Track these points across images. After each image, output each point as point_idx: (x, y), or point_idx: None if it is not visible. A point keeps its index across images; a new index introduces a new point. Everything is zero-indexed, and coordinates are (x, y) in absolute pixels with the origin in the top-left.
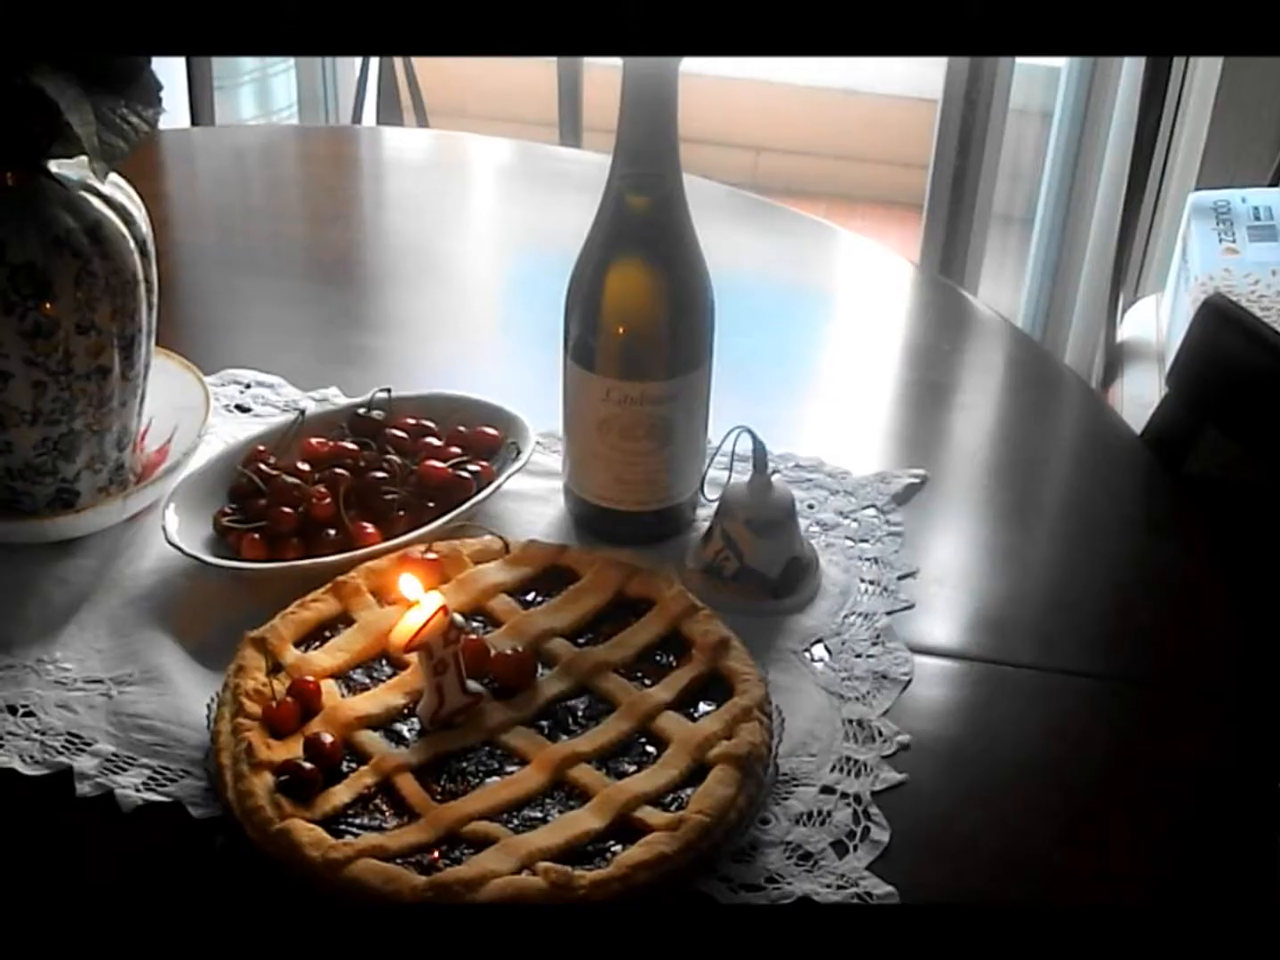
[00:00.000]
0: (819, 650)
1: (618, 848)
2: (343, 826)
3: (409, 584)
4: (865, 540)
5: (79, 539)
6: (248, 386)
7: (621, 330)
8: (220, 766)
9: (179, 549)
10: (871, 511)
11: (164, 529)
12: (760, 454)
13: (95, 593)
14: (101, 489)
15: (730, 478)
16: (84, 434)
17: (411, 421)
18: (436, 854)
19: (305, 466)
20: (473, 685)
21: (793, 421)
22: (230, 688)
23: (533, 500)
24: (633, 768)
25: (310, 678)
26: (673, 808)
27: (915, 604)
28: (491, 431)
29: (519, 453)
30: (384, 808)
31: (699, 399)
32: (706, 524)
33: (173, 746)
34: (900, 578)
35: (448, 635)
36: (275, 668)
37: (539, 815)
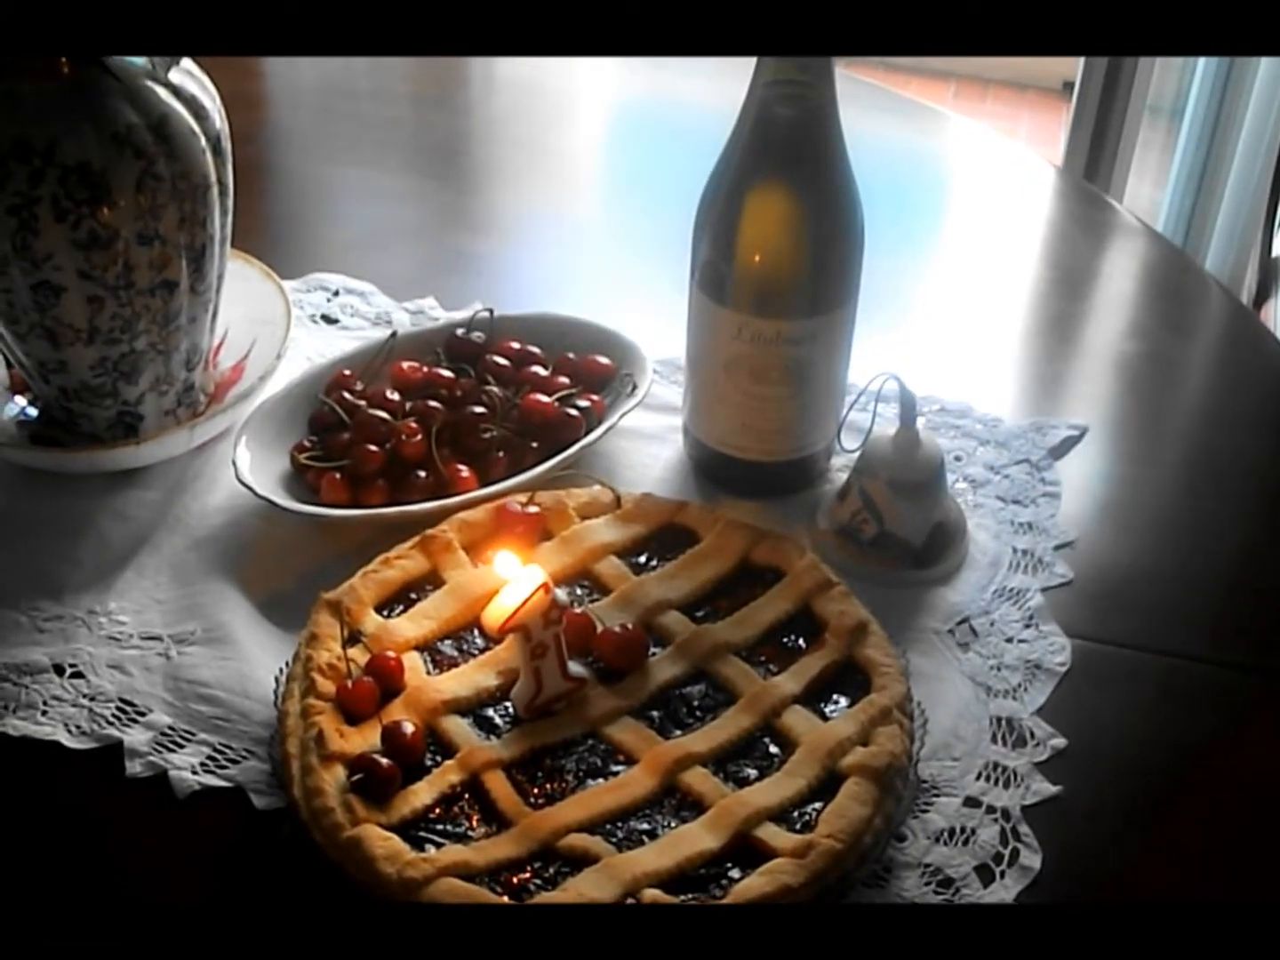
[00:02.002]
0: (965, 632)
1: (735, 873)
2: (422, 833)
3: (505, 559)
4: (1018, 502)
5: (142, 470)
6: (335, 294)
7: (759, 260)
8: (286, 755)
9: (250, 489)
10: (1025, 467)
11: (234, 466)
12: (909, 406)
13: (156, 532)
14: (168, 411)
15: (872, 428)
16: (147, 354)
17: (515, 347)
18: (529, 872)
19: (395, 396)
20: (575, 668)
21: (931, 357)
22: (301, 659)
23: (648, 439)
24: (754, 773)
25: (391, 653)
26: (798, 826)
27: (1073, 579)
28: (604, 361)
29: (634, 387)
30: (470, 811)
31: (841, 340)
32: (843, 477)
33: (235, 721)
34: (1056, 548)
35: (549, 616)
36: (353, 637)
37: (646, 828)
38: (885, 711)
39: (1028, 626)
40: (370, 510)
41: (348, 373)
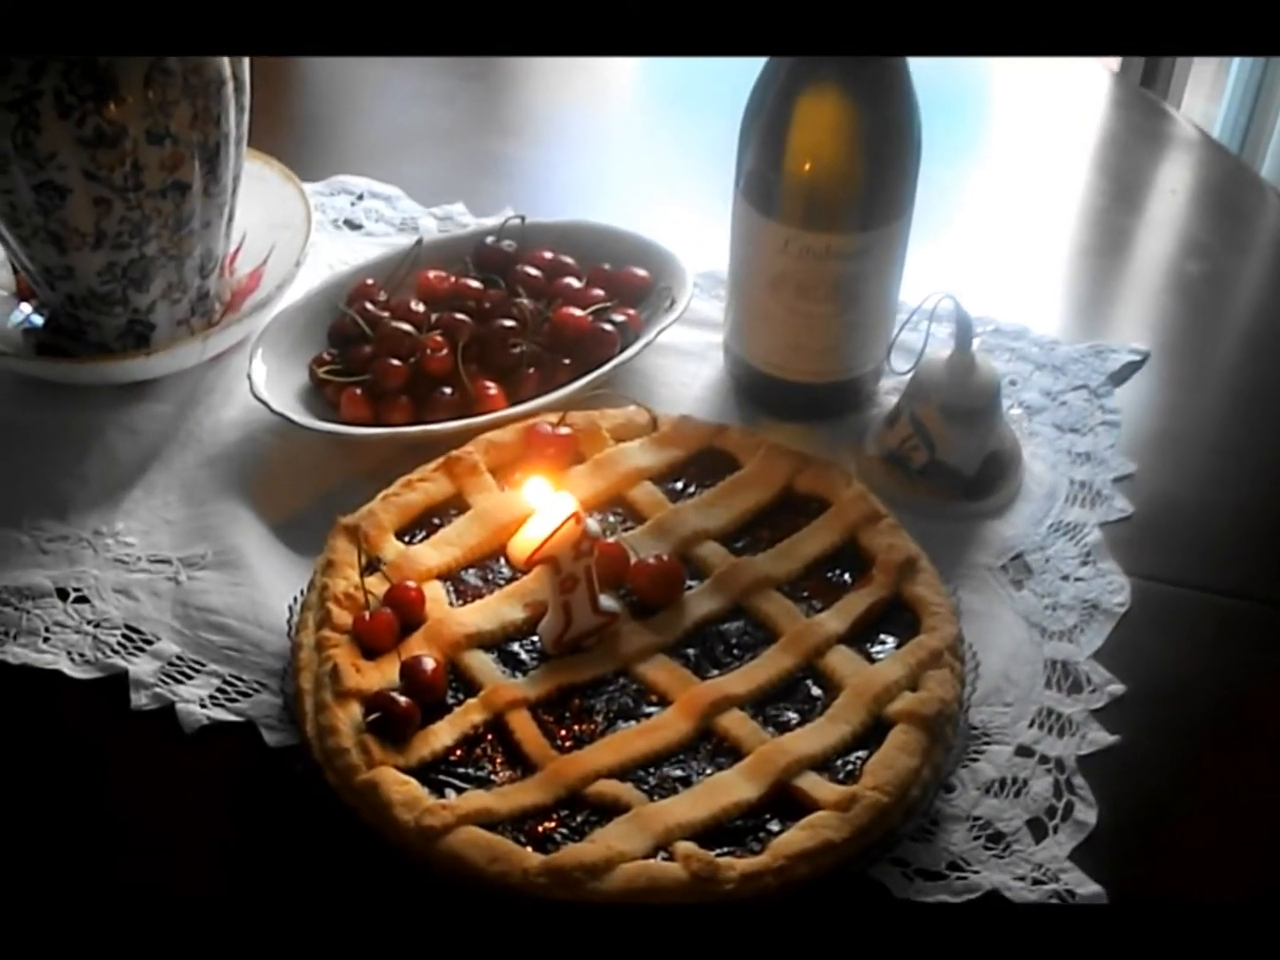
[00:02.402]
0: (1018, 568)
1: (774, 825)
2: (442, 776)
3: (534, 485)
4: (1075, 430)
5: (153, 383)
6: (360, 198)
7: (809, 169)
8: (299, 690)
9: (265, 404)
10: (1084, 394)
11: (250, 379)
12: (964, 328)
13: (167, 448)
14: (181, 321)
15: (925, 349)
16: (158, 259)
17: (548, 257)
18: (554, 820)
19: (420, 307)
20: (606, 602)
21: (984, 275)
22: (317, 588)
23: (686, 356)
24: (794, 717)
25: (412, 583)
26: (841, 776)
27: (1132, 514)
28: (641, 273)
29: (672, 301)
30: (493, 754)
31: (894, 256)
32: (891, 401)
33: (247, 652)
34: (1115, 480)
35: (579, 547)
36: (371, 564)
37: (680, 775)
38: (935, 654)
39: (1085, 564)
40: (392, 429)
41: (370, 282)
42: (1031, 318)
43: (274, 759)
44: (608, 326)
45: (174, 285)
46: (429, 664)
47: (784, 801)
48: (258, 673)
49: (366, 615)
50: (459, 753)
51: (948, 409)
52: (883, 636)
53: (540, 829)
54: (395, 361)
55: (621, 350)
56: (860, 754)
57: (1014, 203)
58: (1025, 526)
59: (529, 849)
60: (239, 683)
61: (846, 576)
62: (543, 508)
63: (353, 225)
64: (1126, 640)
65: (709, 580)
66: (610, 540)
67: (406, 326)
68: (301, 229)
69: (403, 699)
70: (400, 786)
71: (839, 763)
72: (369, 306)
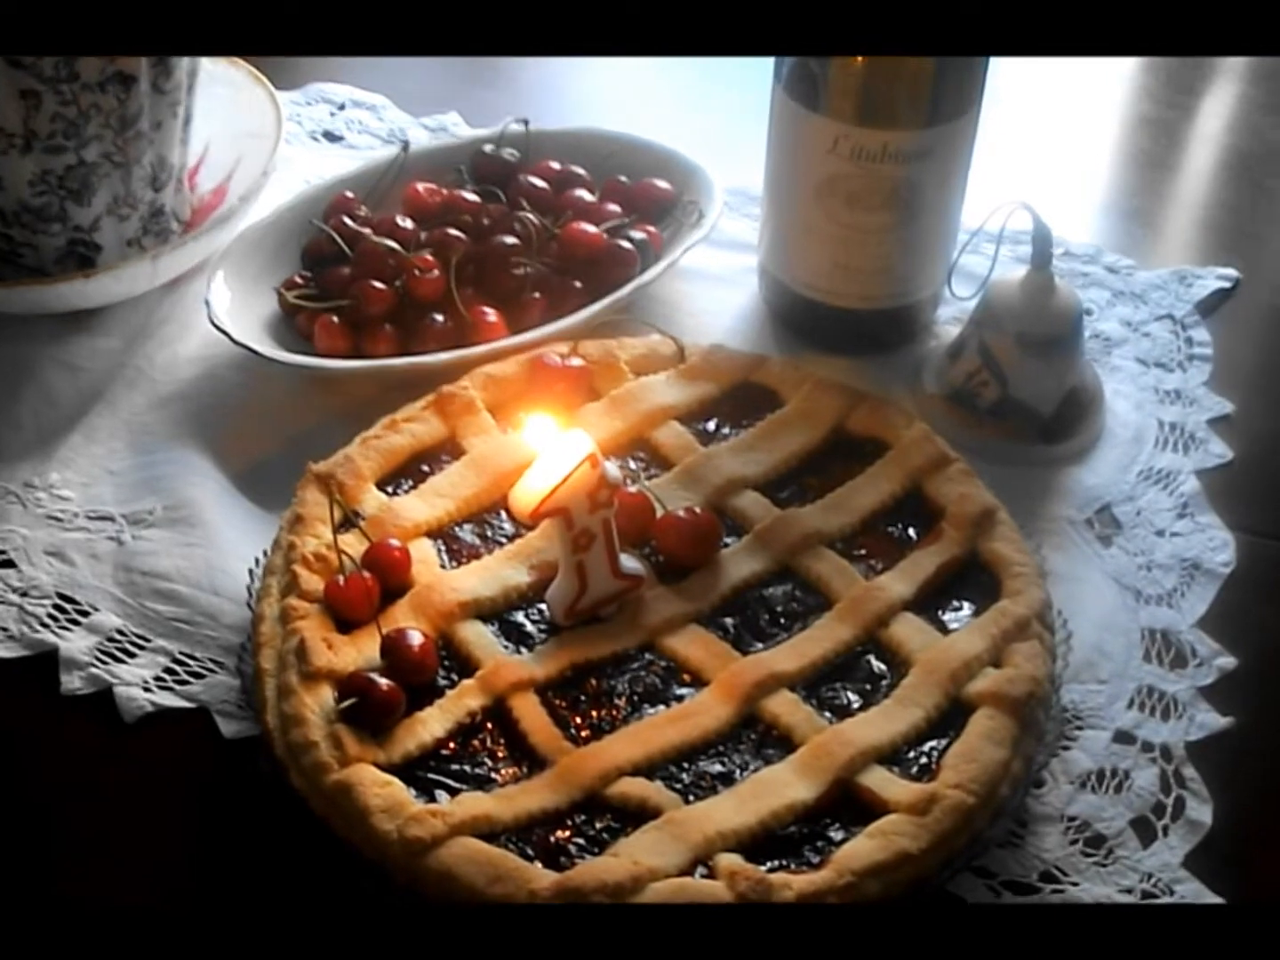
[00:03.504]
0: (1105, 522)
1: (836, 832)
2: (432, 775)
3: (540, 423)
4: (1161, 365)
5: (98, 312)
6: (340, 108)
7: (863, 56)
8: (260, 671)
9: (226, 334)
10: (1168, 324)
11: (208, 305)
12: (1043, 242)
13: (112, 387)
14: (131, 241)
15: (993, 269)
16: (101, 166)
17: (555, 167)
18: (568, 829)
19: (407, 223)
20: (628, 563)
21: (1051, 189)
22: (282, 548)
23: (715, 282)
24: (855, 700)
25: (395, 541)
26: (915, 770)
27: (1232, 460)
28: (663, 185)
29: (700, 216)
30: (494, 747)
31: (960, 158)
32: (952, 332)
33: (200, 625)
34: (1210, 421)
35: (596, 496)
36: (347, 520)
37: (720, 770)
38: (1021, 623)
39: (1181, 517)
40: (374, 362)
41: (350, 195)
42: (1105, 239)
43: (231, 753)
44: (625, 244)
45: (121, 198)
46: (415, 638)
47: (846, 802)
48: (213, 650)
49: (341, 580)
50: (452, 746)
51: (1023, 337)
52: (956, 602)
53: (551, 839)
54: (378, 284)
55: (642, 271)
56: (935, 744)
57: (1082, 110)
58: (1111, 474)
59: (538, 864)
60: (190, 662)
61: (911, 532)
62: (551, 450)
63: (332, 137)
64: (1234, 605)
65: (749, 537)
66: (632, 490)
67: (391, 244)
68: (272, 137)
69: (384, 681)
70: (380, 789)
71: (910, 754)
72: (348, 222)
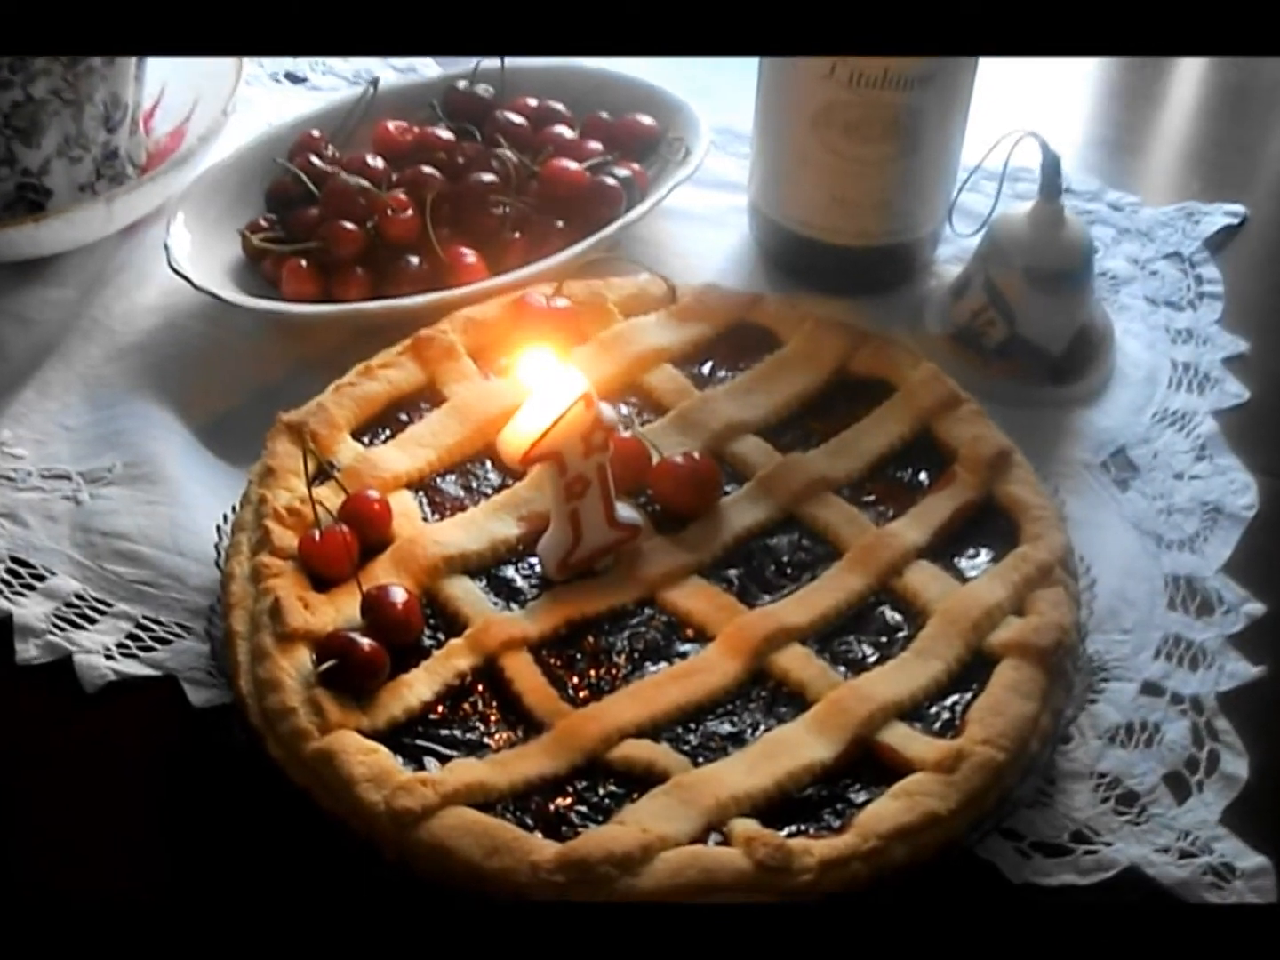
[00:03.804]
0: (1121, 465)
1: (857, 793)
2: (420, 741)
3: (531, 359)
4: (1172, 304)
5: (50, 261)
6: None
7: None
8: (231, 633)
9: (188, 280)
10: (1175, 262)
11: (167, 250)
12: (1051, 171)
13: (67, 339)
14: (84, 186)
15: (998, 200)
16: (50, 104)
17: (533, 104)
18: (569, 795)
19: (378, 163)
20: (624, 512)
21: (1047, 122)
22: (253, 503)
23: (703, 222)
24: (871, 653)
25: (374, 493)
26: (938, 726)
27: (1248, 400)
28: (647, 121)
29: (686, 152)
30: (486, 710)
31: (963, 85)
32: (952, 271)
33: (165, 587)
34: (1225, 360)
35: (591, 439)
36: (322, 472)
37: (730, 731)
38: (1044, 569)
39: (1200, 459)
40: (345, 305)
41: (317, 134)
42: (1106, 178)
43: (201, 723)
44: (609, 181)
45: (72, 139)
46: (399, 594)
47: (866, 762)
48: (179, 614)
49: (316, 535)
50: (440, 710)
51: (1032, 272)
52: (973, 549)
53: (551, 808)
54: (348, 225)
55: (627, 210)
56: (958, 698)
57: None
58: (1125, 416)
59: (538, 835)
60: (155, 626)
61: (922, 476)
62: (543, 390)
63: (295, 79)
64: (1259, 549)
65: (750, 484)
66: (626, 435)
67: (362, 182)
68: (230, 76)
69: (365, 641)
70: (365, 756)
71: (932, 710)
72: (314, 161)
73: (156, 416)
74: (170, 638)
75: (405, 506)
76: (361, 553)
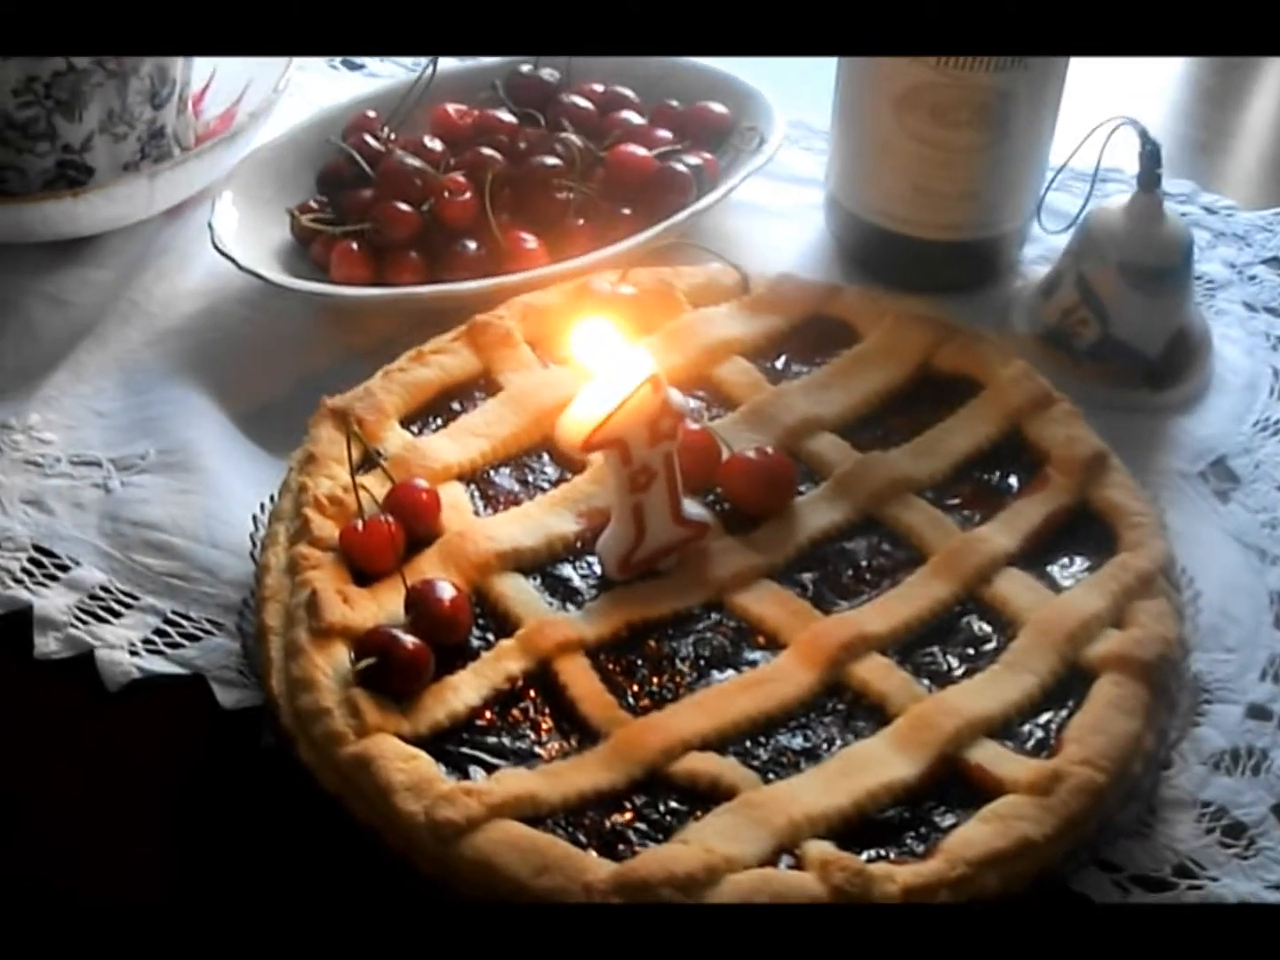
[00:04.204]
0: (1221, 476)
1: (942, 816)
2: (465, 749)
3: (591, 335)
4: (1271, 310)
5: (90, 242)
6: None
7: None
8: (264, 629)
9: (232, 260)
10: (1275, 267)
11: (211, 228)
12: (1151, 161)
13: (104, 322)
14: (128, 165)
15: (1092, 191)
16: (93, 75)
17: (599, 90)
18: (628, 811)
19: (436, 145)
20: (692, 509)
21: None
22: (292, 491)
23: (777, 217)
24: (957, 665)
25: (423, 482)
26: (1031, 745)
27: None
28: (718, 109)
29: (761, 141)
30: (538, 717)
31: (1056, 71)
32: (1040, 271)
33: (197, 581)
34: None
35: (658, 426)
36: (367, 460)
37: (803, 745)
38: (1145, 578)
39: None
40: (398, 289)
41: (372, 115)
42: (1198, 179)
43: (230, 725)
44: (679, 168)
45: (116, 114)
46: (446, 590)
47: (953, 782)
48: (210, 609)
49: (359, 525)
50: (488, 716)
51: (1128, 268)
52: (1067, 558)
53: (608, 824)
54: (402, 206)
55: (698, 198)
56: (1053, 715)
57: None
58: (1224, 424)
59: (591, 853)
60: (184, 622)
61: (1011, 480)
62: (607, 371)
63: (352, 65)
64: None
65: (827, 483)
66: (695, 428)
67: (417, 162)
68: (283, 58)
69: (409, 639)
70: (405, 763)
71: (1025, 727)
72: (369, 141)
73: (194, 403)
74: (200, 634)
75: (455, 499)
76: (407, 546)
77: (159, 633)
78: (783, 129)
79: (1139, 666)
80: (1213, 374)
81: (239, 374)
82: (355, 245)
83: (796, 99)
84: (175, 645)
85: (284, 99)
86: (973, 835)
